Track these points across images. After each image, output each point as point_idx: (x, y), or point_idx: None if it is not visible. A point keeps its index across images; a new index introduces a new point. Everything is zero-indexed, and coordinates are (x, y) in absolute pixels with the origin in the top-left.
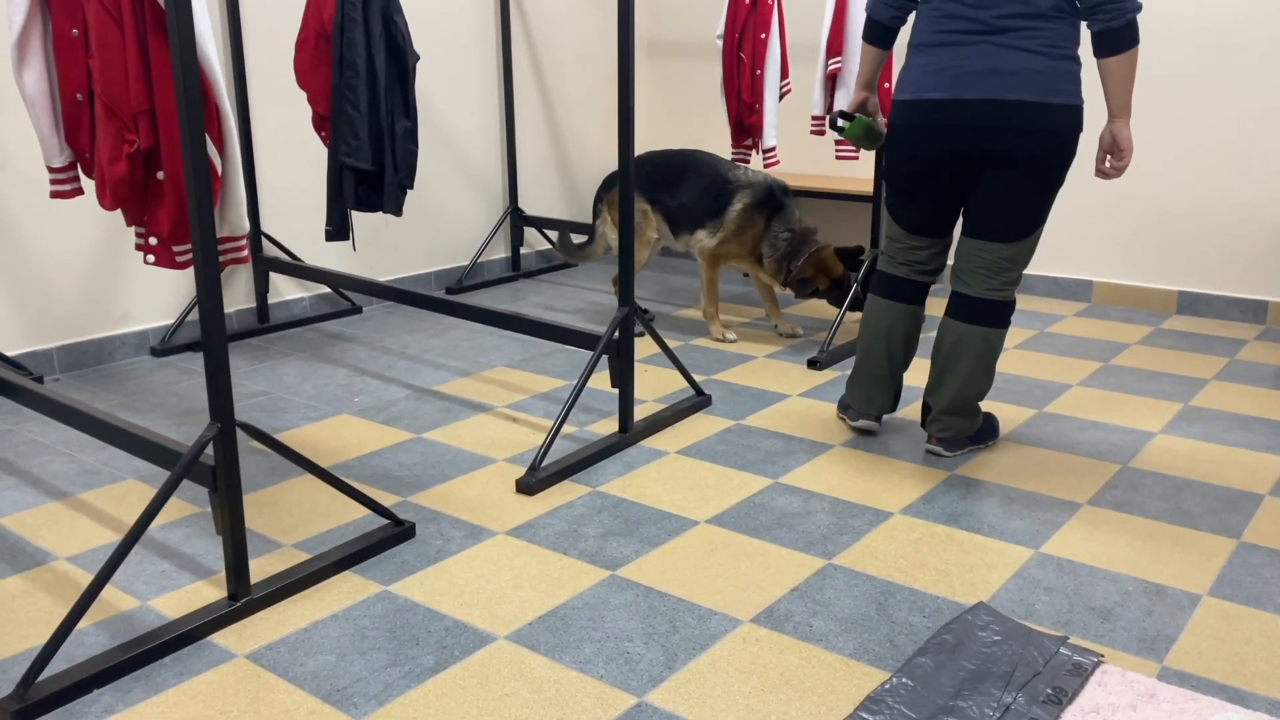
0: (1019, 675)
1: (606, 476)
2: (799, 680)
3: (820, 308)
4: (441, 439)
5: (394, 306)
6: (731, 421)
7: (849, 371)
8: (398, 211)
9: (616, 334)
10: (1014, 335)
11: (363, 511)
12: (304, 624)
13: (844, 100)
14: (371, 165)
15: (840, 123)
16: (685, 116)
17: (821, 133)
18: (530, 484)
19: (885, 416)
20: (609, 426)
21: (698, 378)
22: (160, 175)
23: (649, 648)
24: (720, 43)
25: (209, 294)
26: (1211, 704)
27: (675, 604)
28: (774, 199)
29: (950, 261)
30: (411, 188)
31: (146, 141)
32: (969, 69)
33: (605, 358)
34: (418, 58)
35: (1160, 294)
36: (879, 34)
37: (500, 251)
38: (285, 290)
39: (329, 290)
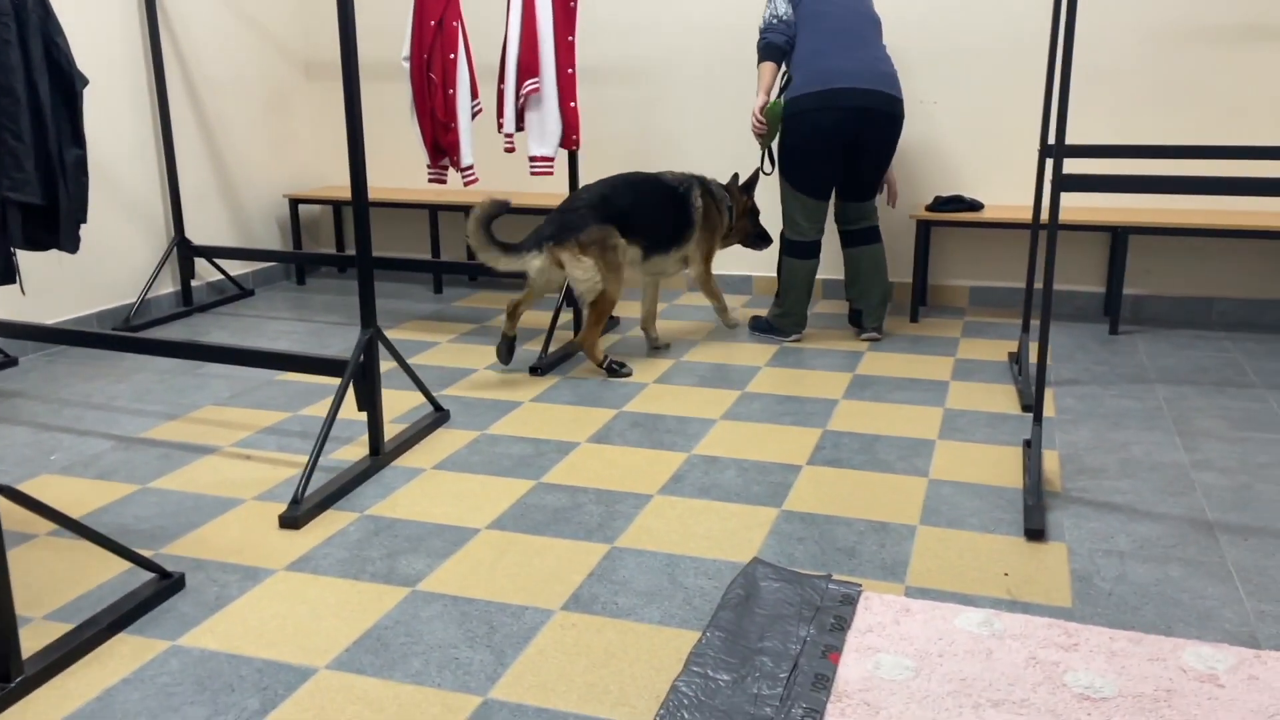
0: (805, 612)
1: (370, 500)
2: (623, 652)
3: (527, 319)
4: (173, 486)
5: (57, 354)
6: (477, 432)
7: (777, 311)
8: (74, 248)
9: (362, 358)
10: (708, 329)
11: (113, 571)
12: (95, 693)
13: (535, 118)
14: (42, 199)
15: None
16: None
17: (513, 149)
18: (295, 517)
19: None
20: (355, 452)
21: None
22: None
23: (475, 650)
24: (408, 64)
25: None
26: (952, 609)
27: (485, 607)
28: (706, 183)
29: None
30: (85, 221)
31: None
32: (851, 69)
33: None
34: (86, 82)
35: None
36: (777, 54)
37: (168, 286)
38: None
39: None
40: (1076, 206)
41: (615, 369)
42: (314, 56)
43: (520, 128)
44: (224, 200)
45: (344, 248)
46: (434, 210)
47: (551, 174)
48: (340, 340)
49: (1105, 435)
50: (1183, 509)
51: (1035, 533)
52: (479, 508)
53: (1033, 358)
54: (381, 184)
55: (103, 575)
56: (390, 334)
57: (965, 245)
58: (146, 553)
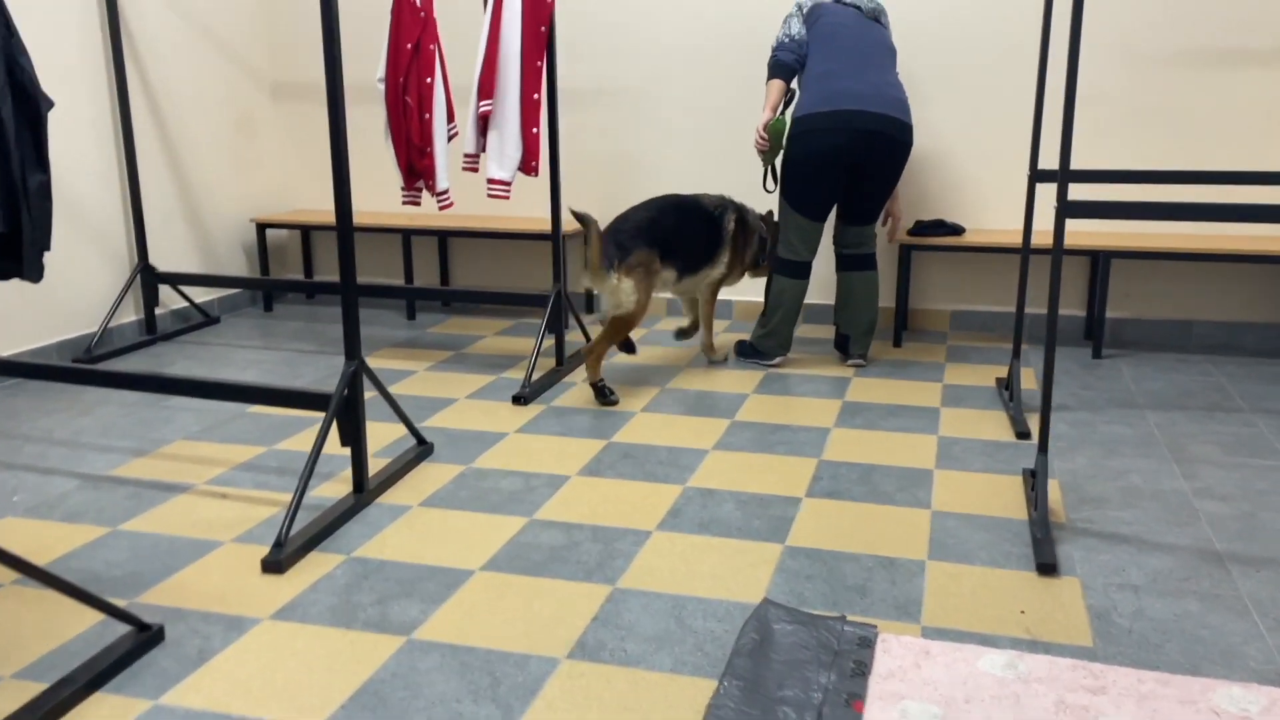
0: (824, 658)
1: (356, 540)
2: (637, 704)
3: (505, 346)
4: (146, 528)
5: (15, 387)
6: (462, 466)
7: (762, 331)
8: (38, 277)
9: (346, 391)
10: (690, 355)
11: (86, 623)
12: None
13: (496, 140)
14: (5, 226)
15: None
16: (329, 160)
17: (475, 169)
18: (279, 561)
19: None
20: (336, 489)
21: (403, 427)
22: None
23: (480, 705)
24: (382, 86)
25: None
26: (974, 650)
27: (486, 656)
28: (743, 210)
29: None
30: (49, 249)
31: None
32: (862, 91)
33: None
34: (51, 104)
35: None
36: (786, 72)
37: (131, 314)
38: None
39: None
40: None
41: (605, 394)
42: (281, 77)
43: (483, 148)
44: (189, 225)
45: (312, 273)
46: (407, 235)
47: (508, 198)
48: (313, 370)
49: (1102, 463)
50: (1190, 539)
51: (1047, 567)
52: (471, 547)
53: (1025, 383)
54: (357, 206)
55: (75, 628)
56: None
57: (946, 269)
58: (121, 602)
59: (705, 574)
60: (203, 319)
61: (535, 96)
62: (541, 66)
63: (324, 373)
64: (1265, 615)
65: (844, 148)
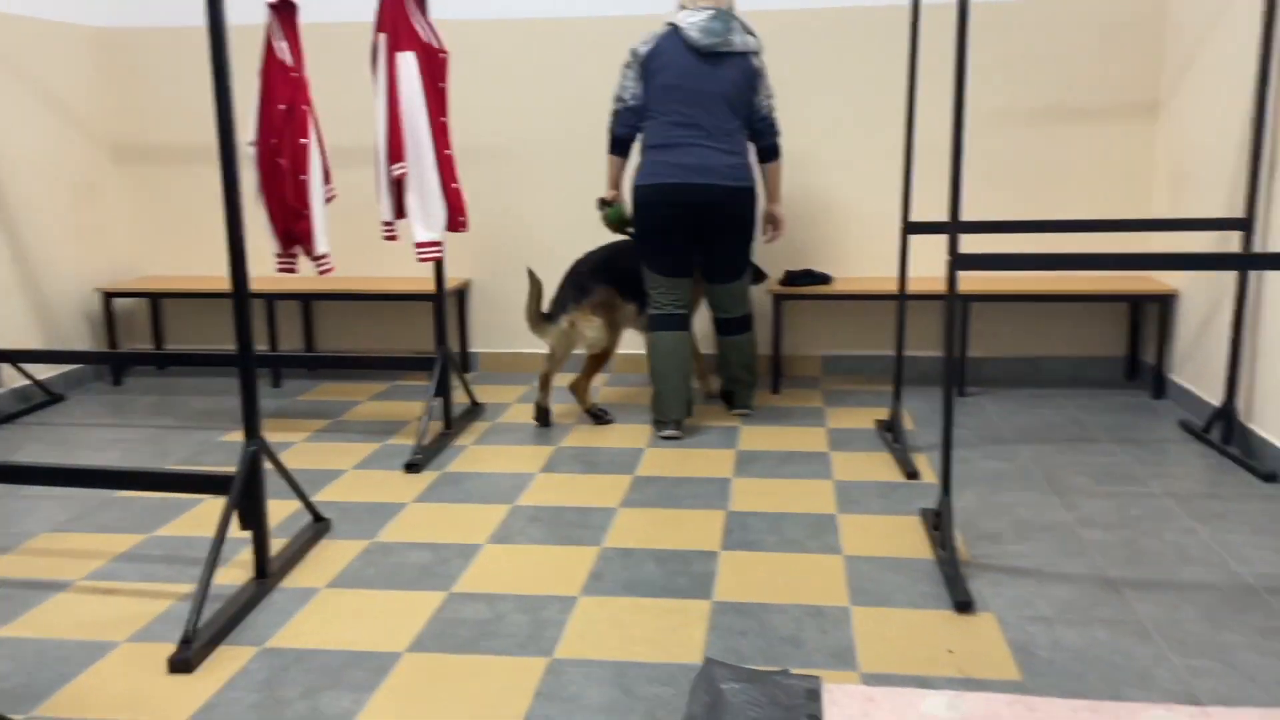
0: (776, 714)
1: (267, 629)
2: None
3: (383, 411)
4: (27, 633)
5: None
6: (365, 541)
7: (650, 394)
8: None
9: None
10: (580, 410)
11: None
12: None
13: (417, 202)
14: None
15: (603, 209)
16: (179, 225)
17: (394, 238)
18: (188, 659)
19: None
20: (234, 575)
21: (292, 504)
22: None
23: None
24: (253, 149)
25: None
26: (915, 694)
27: None
28: None
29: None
30: None
31: None
32: (690, 163)
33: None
34: None
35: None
36: (622, 148)
37: None
38: None
39: None
40: (919, 277)
41: (599, 415)
42: (123, 140)
43: (401, 214)
44: (28, 297)
45: (163, 343)
46: (270, 300)
47: (440, 258)
48: (182, 447)
49: (989, 499)
50: (1085, 568)
51: (964, 605)
52: (393, 628)
53: (907, 424)
54: (212, 272)
55: None
56: (234, 436)
57: (816, 317)
58: (16, 718)
59: (640, 637)
60: (46, 398)
61: (447, 152)
62: (446, 122)
63: (194, 449)
64: (1166, 637)
65: (678, 218)
